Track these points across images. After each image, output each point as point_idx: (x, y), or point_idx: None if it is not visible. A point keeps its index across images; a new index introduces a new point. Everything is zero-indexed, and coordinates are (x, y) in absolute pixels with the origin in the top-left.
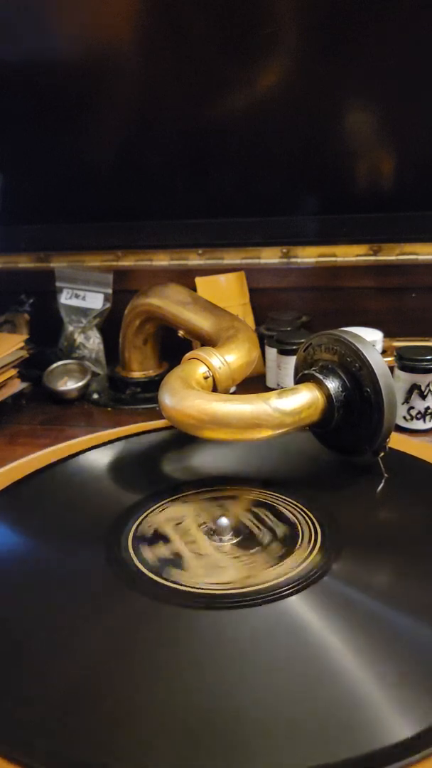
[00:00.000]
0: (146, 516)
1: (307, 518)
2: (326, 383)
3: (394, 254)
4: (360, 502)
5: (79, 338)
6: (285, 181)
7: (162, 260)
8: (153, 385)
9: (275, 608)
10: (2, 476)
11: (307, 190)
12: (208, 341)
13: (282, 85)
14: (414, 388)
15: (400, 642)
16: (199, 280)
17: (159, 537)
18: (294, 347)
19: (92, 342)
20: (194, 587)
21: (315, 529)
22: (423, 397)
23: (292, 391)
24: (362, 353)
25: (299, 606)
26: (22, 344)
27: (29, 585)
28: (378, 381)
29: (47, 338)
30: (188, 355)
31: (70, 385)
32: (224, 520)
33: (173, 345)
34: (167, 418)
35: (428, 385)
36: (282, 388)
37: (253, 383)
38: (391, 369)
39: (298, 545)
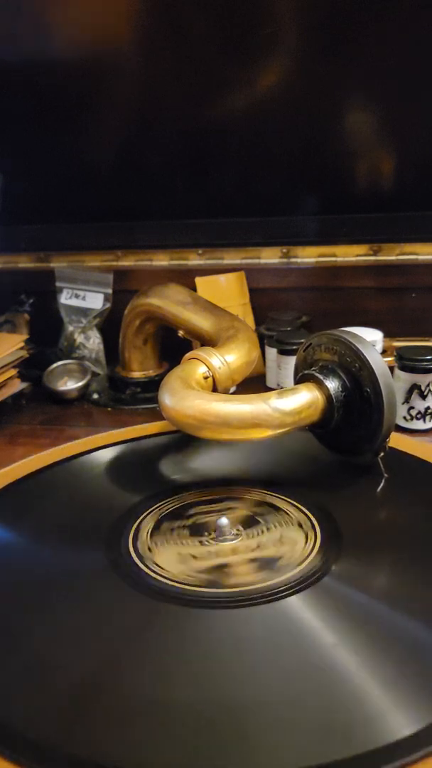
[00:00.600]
0: (146, 516)
1: (307, 518)
2: (326, 383)
3: (394, 254)
4: (360, 502)
5: (79, 338)
6: (285, 181)
7: (162, 260)
8: (153, 385)
9: (275, 608)
10: (2, 476)
11: (307, 190)
12: (208, 341)
13: (282, 85)
14: (414, 388)
15: (399, 642)
16: (199, 280)
17: (159, 537)
18: (294, 347)
19: (92, 342)
20: (194, 587)
21: (315, 529)
22: (423, 397)
23: (292, 391)
24: (362, 353)
25: (299, 606)
26: (22, 344)
27: (29, 585)
28: (378, 381)
29: (47, 338)
30: (188, 355)
31: (70, 385)
32: (224, 520)
33: (173, 345)
34: (167, 418)
35: (428, 385)
36: (282, 388)
37: (253, 383)
38: (391, 369)
39: (298, 545)
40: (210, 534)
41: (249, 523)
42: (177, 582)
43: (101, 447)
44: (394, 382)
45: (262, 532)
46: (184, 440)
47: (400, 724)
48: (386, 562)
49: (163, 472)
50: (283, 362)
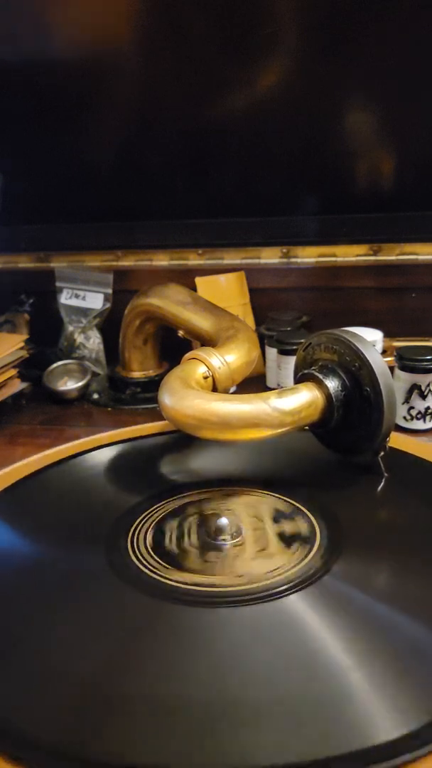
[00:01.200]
0: (146, 516)
1: (307, 518)
2: (326, 383)
3: (394, 254)
4: (360, 501)
5: (79, 338)
6: (285, 181)
7: (162, 260)
8: (153, 385)
9: (276, 607)
10: (2, 476)
11: (307, 190)
12: (208, 341)
13: (282, 85)
14: (414, 388)
15: (399, 641)
16: (199, 280)
17: (159, 537)
18: (294, 347)
19: (92, 342)
20: (194, 586)
21: (315, 529)
22: (423, 397)
23: (292, 391)
24: (362, 352)
25: (299, 605)
26: (22, 344)
27: (30, 585)
28: (377, 380)
29: (47, 338)
30: (188, 355)
31: (70, 385)
32: (224, 520)
33: (173, 345)
34: (167, 418)
35: (428, 385)
36: (282, 388)
37: (253, 383)
38: (391, 369)
39: (298, 544)
40: (210, 534)
41: (249, 522)
42: (177, 582)
43: (101, 447)
44: (394, 382)
45: (262, 531)
46: (183, 440)
47: (399, 723)
48: (386, 561)
49: (163, 472)
50: (283, 362)
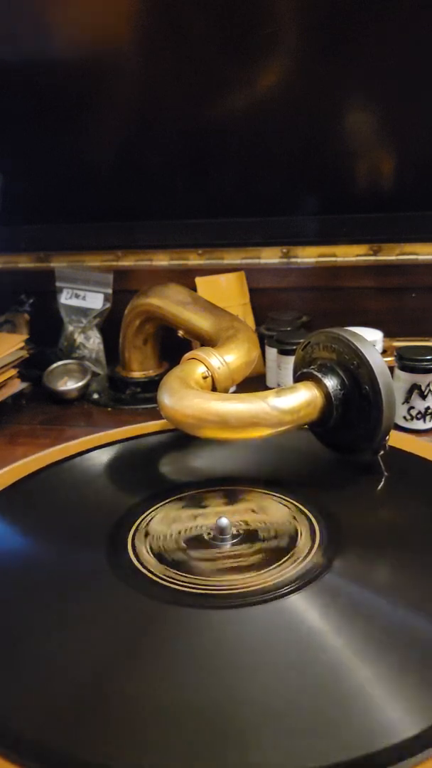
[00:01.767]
0: (147, 516)
1: (307, 517)
2: (325, 381)
3: (394, 254)
4: (360, 500)
5: (79, 338)
6: (285, 181)
7: (162, 260)
8: (153, 385)
9: (276, 607)
10: (2, 476)
11: (307, 190)
12: (207, 341)
13: (282, 85)
14: (414, 388)
15: (401, 640)
16: (199, 280)
17: (159, 537)
18: (294, 347)
19: (92, 342)
20: (195, 587)
21: (315, 528)
22: (423, 397)
23: (291, 390)
24: (360, 351)
25: (300, 605)
26: (22, 344)
27: (30, 585)
28: (376, 379)
29: (47, 338)
30: (187, 355)
31: (70, 385)
32: (224, 520)
33: (173, 345)
34: (166, 417)
35: (428, 385)
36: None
37: (253, 383)
38: (391, 369)
39: (298, 544)
40: (210, 534)
41: (249, 522)
42: (177, 582)
43: (101, 446)
44: (394, 382)
45: (263, 531)
46: (183, 440)
47: (404, 724)
48: (387, 559)
49: (163, 472)
50: (283, 362)
